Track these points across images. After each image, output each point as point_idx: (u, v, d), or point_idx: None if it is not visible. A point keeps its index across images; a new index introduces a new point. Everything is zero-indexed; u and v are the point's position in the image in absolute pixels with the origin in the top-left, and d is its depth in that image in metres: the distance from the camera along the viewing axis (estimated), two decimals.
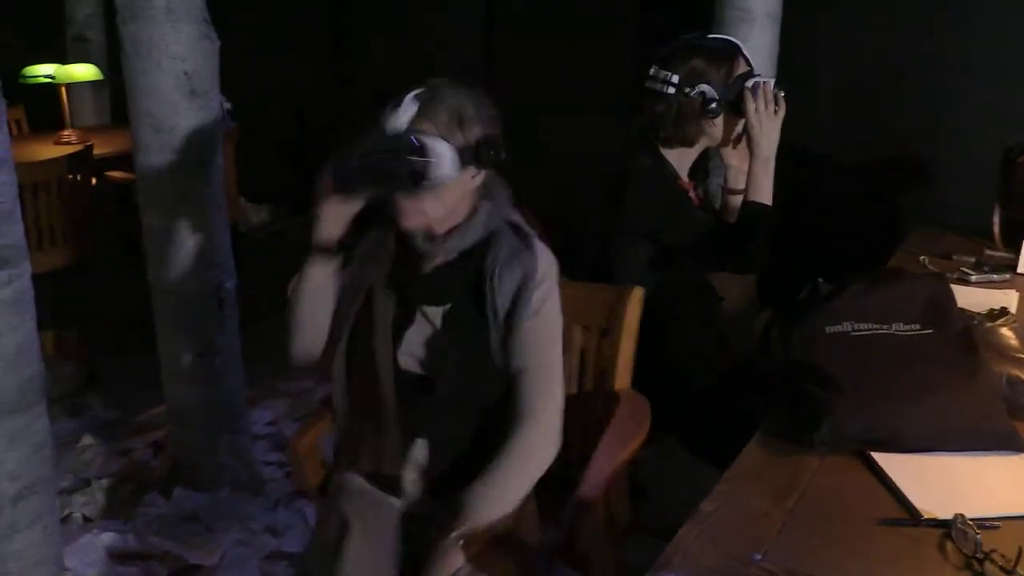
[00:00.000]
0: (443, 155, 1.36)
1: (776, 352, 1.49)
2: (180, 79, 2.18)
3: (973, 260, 2.24)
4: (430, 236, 1.46)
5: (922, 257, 2.27)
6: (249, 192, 4.84)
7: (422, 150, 1.34)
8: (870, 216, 3.18)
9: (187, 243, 2.29)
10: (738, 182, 2.05)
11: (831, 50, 3.20)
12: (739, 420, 1.76)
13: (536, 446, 1.43)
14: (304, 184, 5.25)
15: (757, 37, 2.88)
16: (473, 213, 1.47)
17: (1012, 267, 2.17)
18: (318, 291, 1.50)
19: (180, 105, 2.20)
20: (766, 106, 1.88)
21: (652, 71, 1.95)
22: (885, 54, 3.13)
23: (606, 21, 3.73)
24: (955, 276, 2.12)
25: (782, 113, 1.91)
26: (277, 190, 4.99)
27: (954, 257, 2.27)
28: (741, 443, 1.35)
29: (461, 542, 1.36)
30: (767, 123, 1.89)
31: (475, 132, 1.40)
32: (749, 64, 1.96)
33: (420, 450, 1.48)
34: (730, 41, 2.01)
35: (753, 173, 1.92)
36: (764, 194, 1.92)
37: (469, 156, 1.40)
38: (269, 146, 4.56)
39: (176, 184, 2.25)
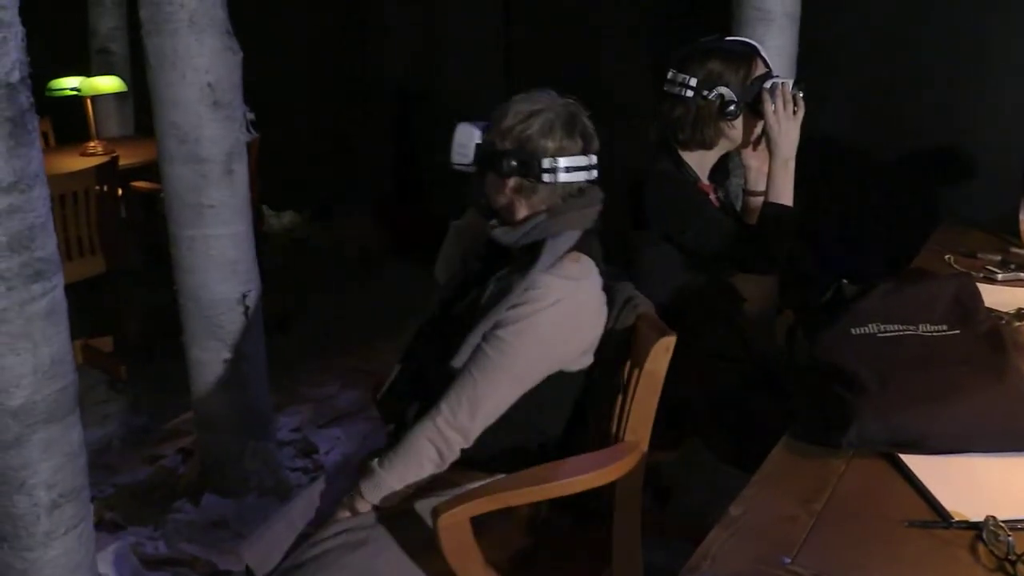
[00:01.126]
0: (463, 144, 1.54)
1: (801, 354, 1.49)
2: (204, 90, 2.21)
3: (999, 258, 2.21)
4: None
5: (947, 256, 2.25)
6: (271, 199, 4.89)
7: (454, 135, 1.54)
8: (893, 215, 3.15)
9: (212, 251, 2.32)
10: (758, 184, 2.05)
11: (850, 49, 3.18)
12: (763, 422, 1.76)
13: (420, 443, 1.45)
14: (325, 191, 5.30)
15: (776, 37, 2.87)
16: (526, 219, 1.54)
17: None
18: (455, 233, 1.77)
19: (204, 116, 2.23)
20: (784, 107, 1.88)
21: (670, 74, 1.96)
22: (904, 52, 3.11)
23: (625, 22, 3.73)
24: (981, 275, 2.09)
25: (801, 113, 1.90)
26: (299, 197, 5.03)
27: (979, 255, 2.24)
28: (765, 445, 1.35)
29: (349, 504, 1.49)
30: (785, 124, 1.89)
31: (508, 141, 1.51)
32: (767, 65, 1.96)
33: (411, 416, 1.55)
34: (748, 43, 2.01)
35: (773, 174, 1.92)
36: (785, 195, 1.91)
37: (486, 157, 1.53)
38: (291, 153, 4.60)
39: (201, 194, 2.28)
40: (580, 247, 1.52)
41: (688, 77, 1.92)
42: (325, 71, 4.69)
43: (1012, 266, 2.16)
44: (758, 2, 2.86)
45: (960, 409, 1.26)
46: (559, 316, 1.46)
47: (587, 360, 1.54)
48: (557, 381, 1.51)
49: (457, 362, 1.47)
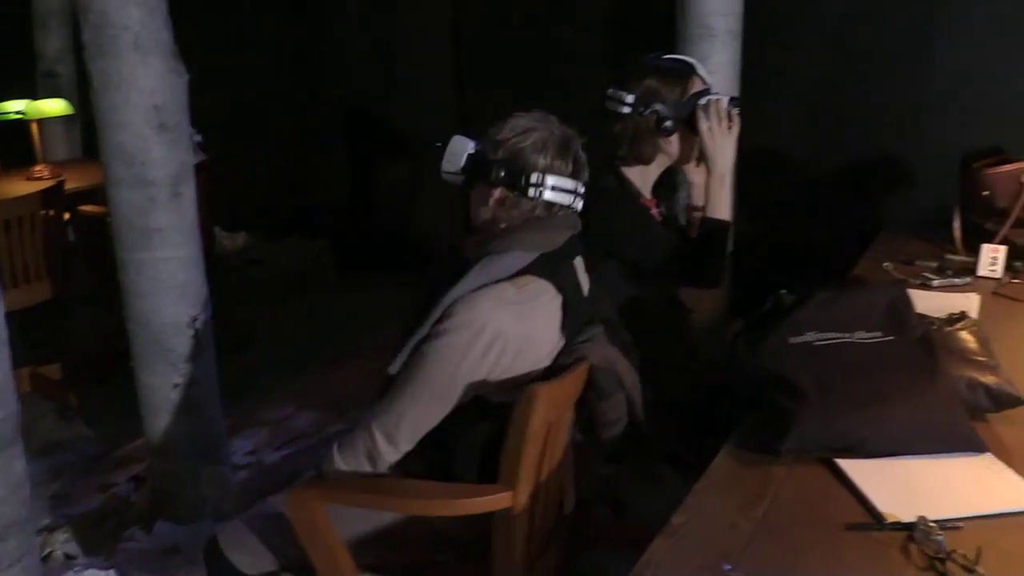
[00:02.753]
0: (456, 153, 1.55)
1: (743, 364, 1.52)
2: (149, 113, 2.19)
3: (935, 265, 2.29)
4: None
5: (886, 264, 2.32)
6: (224, 220, 4.85)
7: (448, 145, 1.54)
8: (838, 224, 3.23)
9: (161, 276, 2.29)
10: (701, 199, 2.09)
11: (793, 63, 3.26)
12: (713, 432, 1.79)
13: (357, 440, 1.48)
14: (280, 211, 5.23)
15: (719, 53, 2.94)
16: (496, 234, 1.54)
17: (972, 271, 2.23)
18: None
19: (150, 139, 2.21)
20: (719, 123, 1.90)
21: (610, 91, 1.99)
22: (845, 66, 3.18)
23: (572, 41, 3.77)
24: (918, 282, 2.16)
25: (736, 130, 1.93)
26: (253, 218, 5.00)
27: (917, 262, 2.32)
28: (716, 453, 1.38)
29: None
30: (720, 140, 1.91)
31: (501, 152, 1.52)
32: (706, 82, 1.99)
33: None
34: (686, 60, 2.03)
35: (710, 190, 1.95)
36: (722, 210, 1.94)
37: (476, 166, 1.54)
38: (244, 174, 4.57)
39: (148, 218, 2.26)
40: (536, 270, 1.50)
41: (625, 94, 1.95)
42: (280, 92, 4.68)
43: (948, 272, 2.23)
44: (702, 19, 2.93)
45: (895, 413, 1.31)
46: (479, 338, 1.43)
47: (512, 395, 1.44)
48: (477, 407, 1.49)
49: (392, 369, 1.49)
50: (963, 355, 1.46)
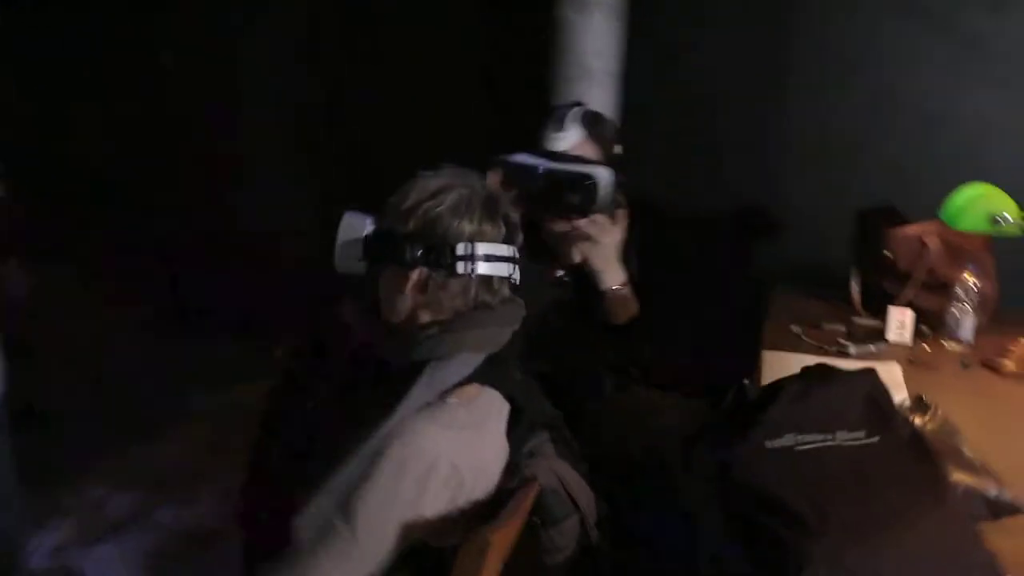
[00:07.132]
0: (352, 239, 1.23)
1: (701, 470, 1.28)
2: None
3: (844, 329, 2.19)
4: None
5: (793, 327, 2.20)
6: (24, 254, 4.19)
7: (339, 229, 1.24)
8: (719, 276, 3.13)
9: None
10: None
11: (673, 109, 3.16)
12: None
13: None
14: (90, 244, 4.46)
15: (598, 94, 2.84)
16: (415, 331, 1.21)
17: (880, 333, 2.14)
18: None
19: None
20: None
21: None
22: (718, 118, 3.12)
23: (451, 86, 3.51)
24: (834, 349, 2.06)
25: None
26: (54, 248, 4.35)
27: (824, 326, 2.22)
28: None
29: None
30: None
31: (412, 223, 1.21)
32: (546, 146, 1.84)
33: None
34: (552, 117, 1.90)
35: None
36: None
37: (381, 246, 1.22)
38: (48, 200, 3.97)
39: None
40: (483, 377, 1.19)
41: None
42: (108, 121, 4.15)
43: (857, 337, 2.14)
44: (579, 60, 2.83)
45: (906, 540, 1.12)
46: (431, 477, 1.10)
47: (453, 536, 1.13)
48: (418, 555, 1.15)
49: (301, 522, 1.10)
50: (948, 456, 1.31)
